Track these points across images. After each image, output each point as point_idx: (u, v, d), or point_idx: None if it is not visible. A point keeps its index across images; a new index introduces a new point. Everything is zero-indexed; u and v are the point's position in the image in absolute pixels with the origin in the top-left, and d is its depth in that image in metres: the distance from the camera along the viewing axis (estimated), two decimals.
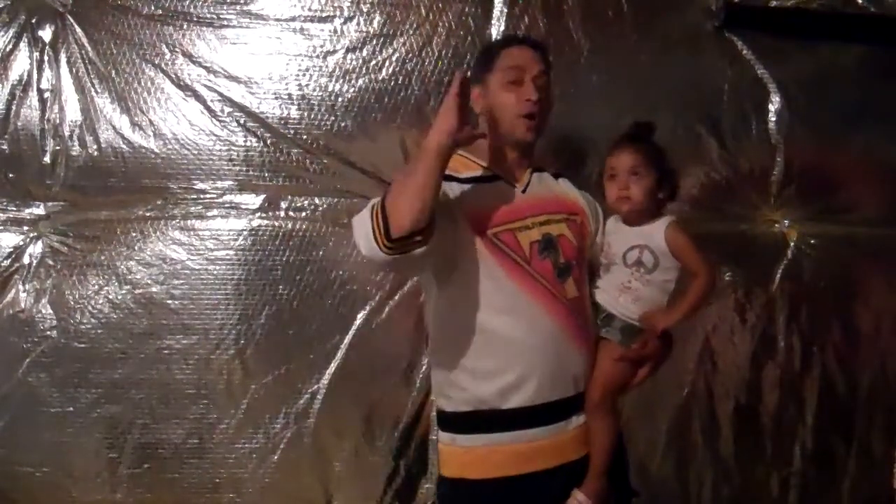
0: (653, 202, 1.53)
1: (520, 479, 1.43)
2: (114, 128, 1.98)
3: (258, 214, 2.02)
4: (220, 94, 1.99)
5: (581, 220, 1.55)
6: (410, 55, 2.01)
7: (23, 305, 1.98)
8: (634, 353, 1.49)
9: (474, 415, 1.45)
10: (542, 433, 1.44)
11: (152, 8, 1.98)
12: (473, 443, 1.46)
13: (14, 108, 1.97)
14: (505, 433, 1.44)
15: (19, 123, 1.98)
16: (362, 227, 1.31)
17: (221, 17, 1.99)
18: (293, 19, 2.01)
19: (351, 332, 2.02)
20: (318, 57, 2.01)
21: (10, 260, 1.99)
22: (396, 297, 2.02)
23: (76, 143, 1.98)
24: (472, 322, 1.43)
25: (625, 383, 1.52)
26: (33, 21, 1.97)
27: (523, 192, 1.52)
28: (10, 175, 1.99)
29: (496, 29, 2.03)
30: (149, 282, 1.99)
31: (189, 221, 2.00)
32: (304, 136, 2.01)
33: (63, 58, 1.97)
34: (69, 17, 1.97)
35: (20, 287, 1.98)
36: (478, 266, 1.42)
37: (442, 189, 1.41)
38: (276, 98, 2.00)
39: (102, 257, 1.99)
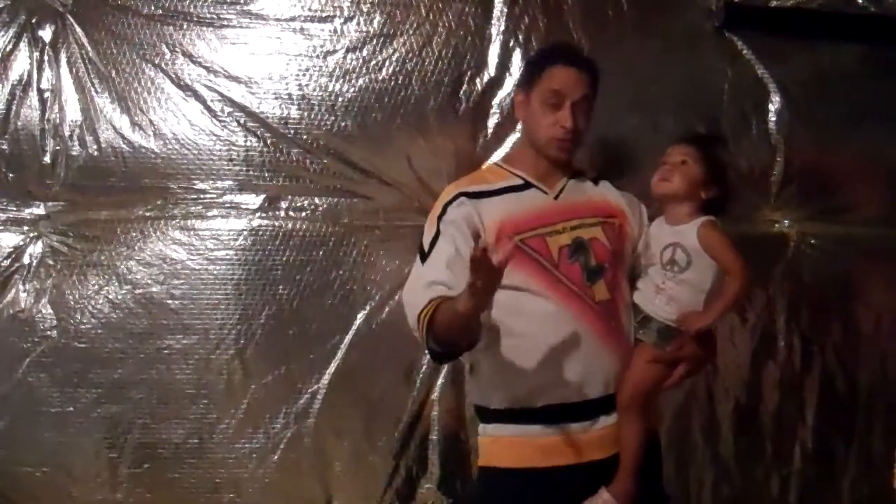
0: (694, 196, 1.52)
1: (543, 471, 1.46)
2: (114, 128, 1.98)
3: (258, 214, 2.02)
4: (220, 94, 1.99)
5: (620, 223, 1.56)
6: (410, 55, 2.01)
7: (23, 305, 1.98)
8: (668, 356, 1.49)
9: (507, 410, 1.49)
10: (570, 430, 1.46)
11: (152, 8, 1.98)
12: (501, 432, 1.50)
13: (14, 108, 1.97)
14: (531, 426, 1.47)
15: (19, 123, 1.98)
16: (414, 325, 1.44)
17: (221, 17, 1.99)
18: (293, 19, 2.00)
19: (351, 332, 2.02)
20: (318, 57, 2.01)
21: (10, 260, 1.98)
22: (396, 297, 2.02)
23: (76, 143, 1.97)
24: (501, 325, 1.46)
25: (657, 384, 1.51)
26: (33, 21, 1.97)
27: (555, 198, 1.54)
28: (10, 175, 1.99)
29: (496, 29, 2.03)
30: (149, 282, 1.99)
31: (189, 221, 2.00)
32: (304, 136, 2.00)
33: (63, 58, 1.97)
34: (69, 17, 1.96)
35: (20, 287, 1.98)
36: (507, 270, 1.44)
37: (469, 207, 1.49)
38: (276, 98, 2.00)
39: (102, 257, 1.99)
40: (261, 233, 2.01)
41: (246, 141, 2.00)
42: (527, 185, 1.54)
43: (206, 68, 1.99)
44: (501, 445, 1.50)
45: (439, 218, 1.51)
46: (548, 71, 1.51)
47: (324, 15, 2.01)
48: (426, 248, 1.50)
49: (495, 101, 2.04)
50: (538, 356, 1.44)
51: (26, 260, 1.99)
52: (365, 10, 2.01)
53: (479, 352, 1.51)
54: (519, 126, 1.81)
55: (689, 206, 1.53)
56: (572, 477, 1.46)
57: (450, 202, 1.52)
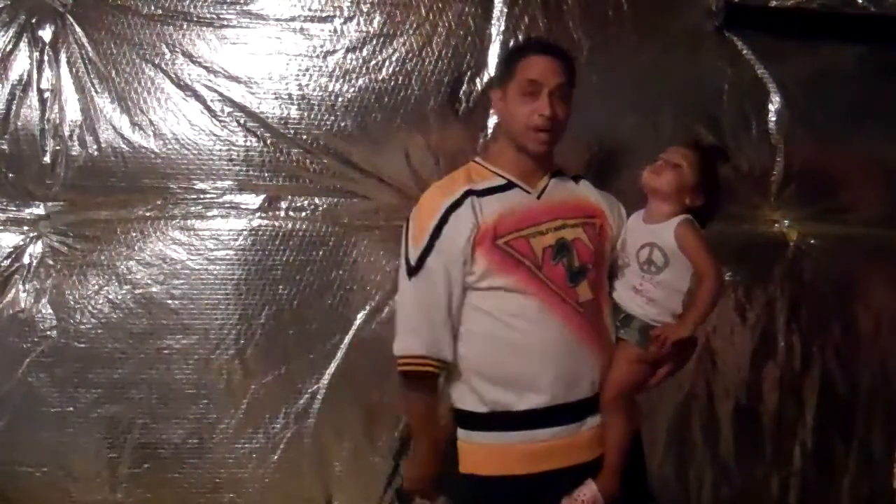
0: (678, 200, 1.50)
1: (531, 477, 1.44)
2: (114, 128, 1.98)
3: (258, 214, 2.02)
4: (220, 94, 1.99)
5: (600, 222, 1.55)
6: (410, 55, 2.01)
7: (23, 305, 1.98)
8: (651, 356, 1.48)
9: (490, 415, 1.47)
10: (555, 433, 1.45)
11: (152, 8, 1.98)
12: (487, 440, 1.47)
13: (14, 108, 1.97)
14: (517, 432, 1.45)
15: (19, 123, 1.98)
16: None
17: (221, 17, 1.99)
18: (293, 19, 2.00)
19: (351, 332, 2.02)
20: (318, 57, 2.01)
21: (10, 260, 1.98)
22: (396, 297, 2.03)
23: (76, 143, 1.97)
24: (484, 328, 1.45)
25: (641, 384, 1.51)
26: (33, 21, 1.97)
27: (538, 197, 1.51)
28: (10, 175, 1.99)
29: (496, 29, 2.03)
30: (149, 282, 1.99)
31: (189, 221, 2.00)
32: (304, 136, 2.00)
33: (63, 58, 1.97)
34: (69, 17, 1.96)
35: (20, 287, 1.98)
36: (489, 274, 1.43)
37: (456, 211, 1.46)
38: (276, 98, 2.00)
39: (102, 257, 1.99)
40: (261, 233, 2.01)
41: (246, 141, 2.00)
42: (510, 185, 1.50)
43: (206, 68, 1.99)
44: (484, 454, 1.47)
45: (437, 228, 1.45)
46: (523, 62, 1.46)
47: (324, 15, 2.01)
48: (413, 261, 1.46)
49: None
50: (522, 359, 1.43)
51: (26, 260, 1.99)
52: (365, 10, 2.01)
53: (461, 356, 1.50)
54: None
55: (671, 207, 1.50)
56: (559, 481, 1.45)
57: (454, 205, 1.46)
